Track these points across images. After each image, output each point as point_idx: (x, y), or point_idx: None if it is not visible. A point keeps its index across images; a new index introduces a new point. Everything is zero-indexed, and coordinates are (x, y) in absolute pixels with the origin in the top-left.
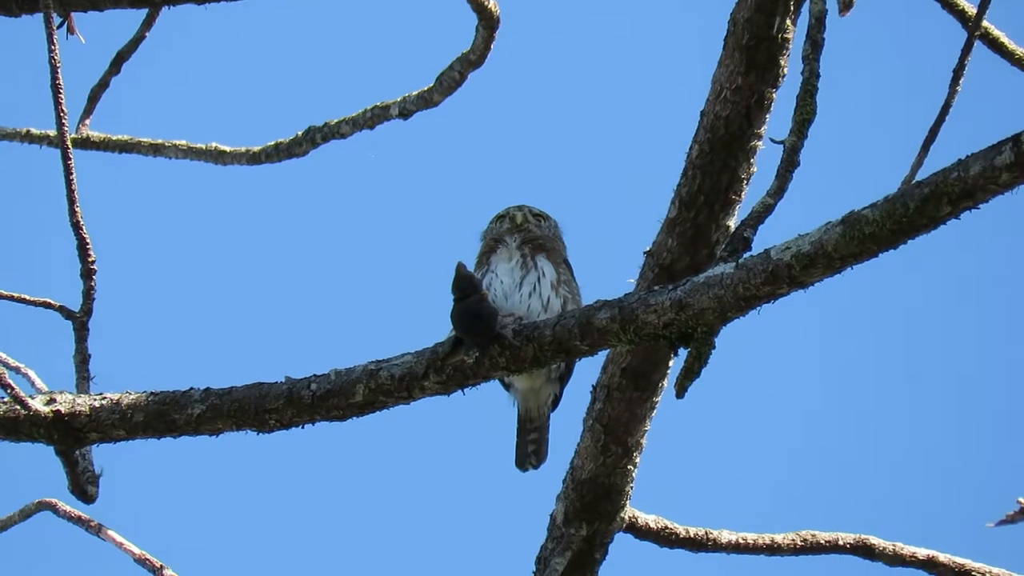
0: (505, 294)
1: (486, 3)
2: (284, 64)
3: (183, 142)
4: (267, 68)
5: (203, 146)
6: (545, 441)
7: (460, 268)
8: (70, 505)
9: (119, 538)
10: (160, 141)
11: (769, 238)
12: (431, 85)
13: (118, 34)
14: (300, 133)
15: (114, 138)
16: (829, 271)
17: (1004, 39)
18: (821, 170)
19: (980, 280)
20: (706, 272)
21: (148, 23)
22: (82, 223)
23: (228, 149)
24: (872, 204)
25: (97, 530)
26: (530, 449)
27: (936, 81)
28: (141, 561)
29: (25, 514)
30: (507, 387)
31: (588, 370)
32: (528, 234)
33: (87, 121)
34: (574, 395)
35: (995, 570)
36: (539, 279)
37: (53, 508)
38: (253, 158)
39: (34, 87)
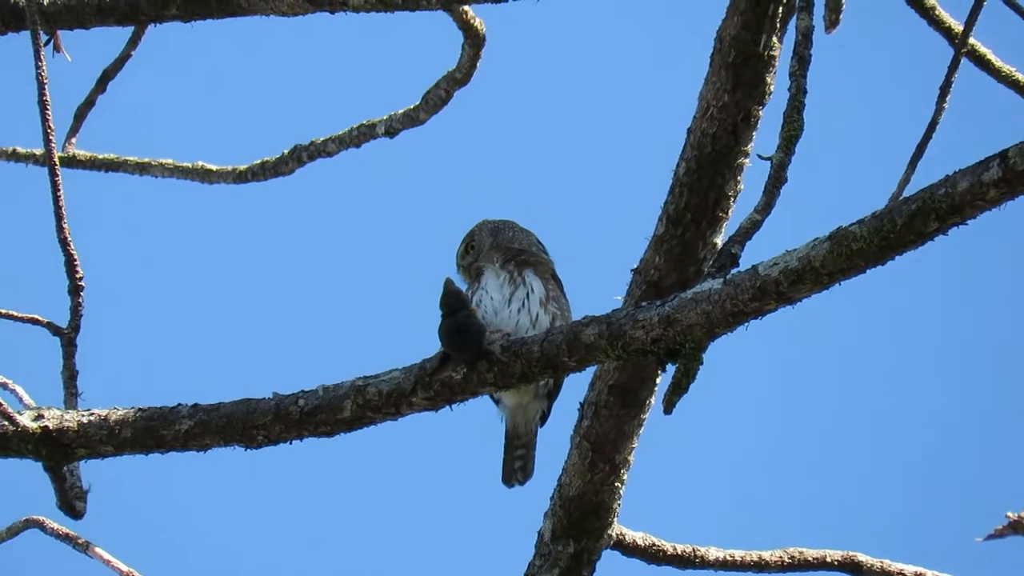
0: (495, 310)
1: (472, 21)
2: (270, 83)
3: (169, 161)
4: (253, 86)
5: (189, 165)
6: (532, 458)
7: (448, 284)
8: (58, 522)
9: (107, 555)
10: (146, 160)
11: (756, 254)
12: (417, 103)
13: (103, 52)
14: (286, 152)
15: (100, 157)
16: (817, 287)
17: (991, 56)
18: (808, 186)
19: (959, 299)
20: (694, 288)
21: (134, 41)
22: (70, 240)
23: (214, 168)
24: (859, 220)
25: (85, 547)
26: (516, 465)
27: (923, 98)
28: None
29: (12, 532)
30: (496, 402)
31: (576, 387)
32: (508, 252)
33: (73, 140)
34: (562, 412)
35: None
36: (528, 295)
37: (41, 526)
38: (239, 176)
39: (17, 105)
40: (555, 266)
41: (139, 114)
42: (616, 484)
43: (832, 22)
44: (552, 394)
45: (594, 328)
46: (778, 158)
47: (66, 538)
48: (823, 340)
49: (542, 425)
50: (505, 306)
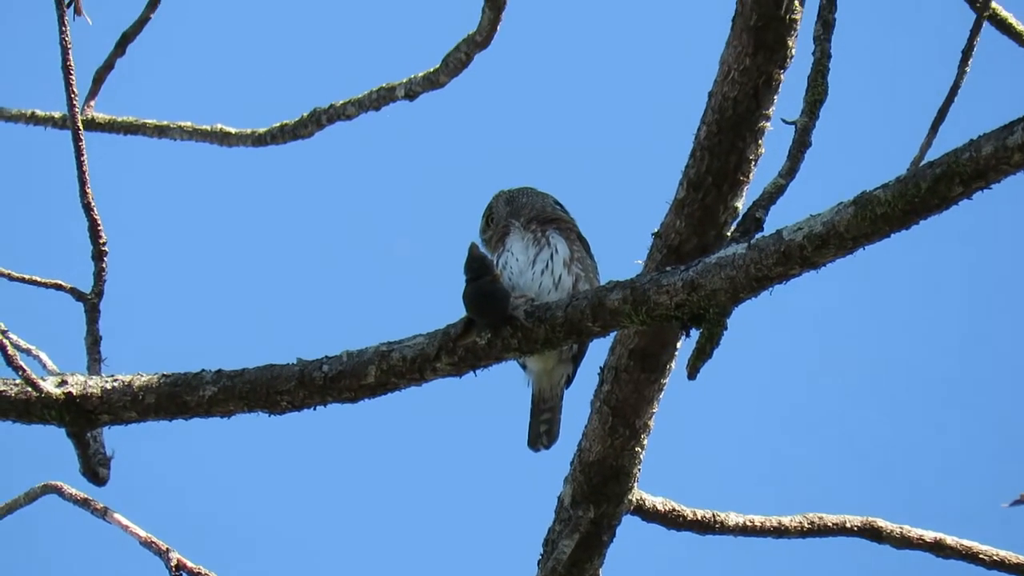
0: (520, 271)
1: None
2: (289, 45)
3: (188, 124)
4: (272, 49)
5: (208, 128)
6: (557, 421)
7: (473, 248)
8: (76, 488)
9: (125, 521)
10: (165, 123)
11: (780, 219)
12: (437, 66)
13: (122, 14)
14: (305, 115)
15: (119, 119)
16: (841, 251)
17: (1012, 20)
18: (830, 150)
19: (987, 271)
20: (718, 253)
21: (153, 4)
22: (93, 204)
23: (233, 131)
24: (884, 184)
25: (103, 513)
26: (542, 429)
27: (944, 62)
28: (147, 544)
29: (31, 497)
30: (522, 367)
31: (598, 351)
32: (531, 213)
33: (92, 103)
34: (582, 377)
35: (1002, 552)
36: (552, 256)
37: (59, 491)
38: (258, 140)
39: (33, 67)
40: (578, 226)
41: (158, 77)
42: (636, 449)
43: None
44: (577, 358)
45: (618, 293)
46: (802, 122)
47: (84, 504)
48: (847, 307)
49: (568, 387)
50: (529, 267)
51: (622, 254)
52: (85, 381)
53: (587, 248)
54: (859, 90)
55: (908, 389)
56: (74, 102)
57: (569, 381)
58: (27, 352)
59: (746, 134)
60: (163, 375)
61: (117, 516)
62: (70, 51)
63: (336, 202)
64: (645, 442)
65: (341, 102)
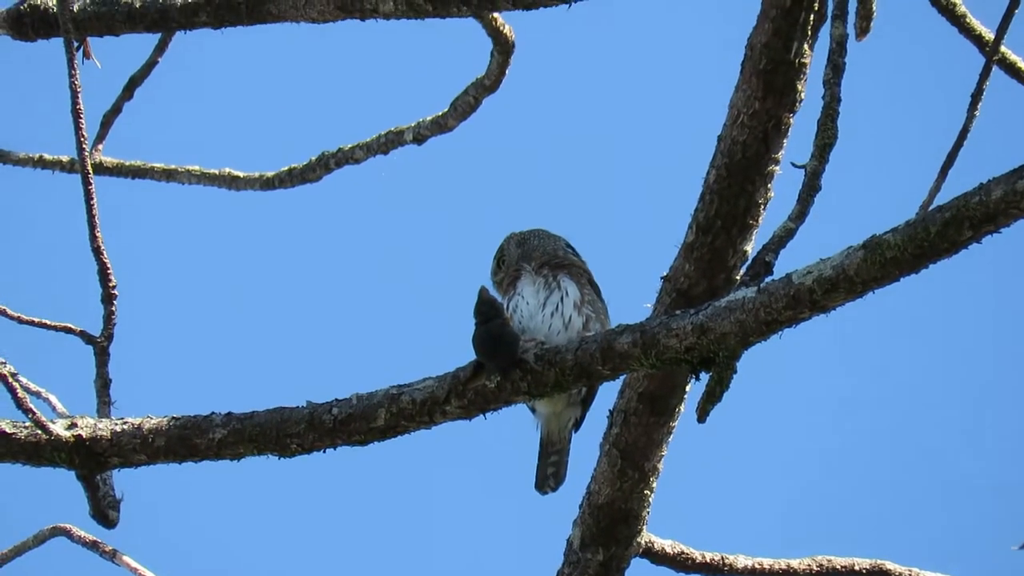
0: (530, 315)
1: (501, 28)
2: (298, 89)
3: (196, 167)
4: (281, 93)
5: (216, 171)
6: (565, 464)
7: (483, 292)
8: (86, 530)
9: (134, 563)
10: (173, 167)
11: (790, 263)
12: (445, 110)
13: (130, 58)
14: (313, 159)
15: (127, 163)
16: (851, 295)
17: (1021, 64)
18: (840, 194)
19: (984, 307)
20: (728, 296)
21: (160, 48)
22: (103, 248)
23: (241, 175)
24: (893, 228)
25: (112, 555)
26: (550, 471)
27: (954, 106)
28: None
29: (39, 539)
30: (532, 410)
31: (606, 394)
32: (542, 258)
33: (100, 147)
34: (591, 420)
35: None
36: (562, 299)
37: (67, 533)
38: (267, 183)
39: (40, 111)
40: (589, 267)
41: (166, 121)
42: (645, 492)
43: (863, 30)
44: (587, 400)
45: (628, 336)
46: (812, 166)
47: (93, 546)
48: (849, 348)
49: (577, 430)
50: (540, 310)
51: (631, 298)
52: (95, 424)
53: (598, 292)
54: (869, 134)
55: (917, 430)
56: (84, 146)
57: (578, 425)
58: (37, 395)
59: (755, 178)
60: (173, 418)
61: (126, 559)
62: (79, 95)
63: (344, 246)
64: (654, 485)
65: (349, 146)
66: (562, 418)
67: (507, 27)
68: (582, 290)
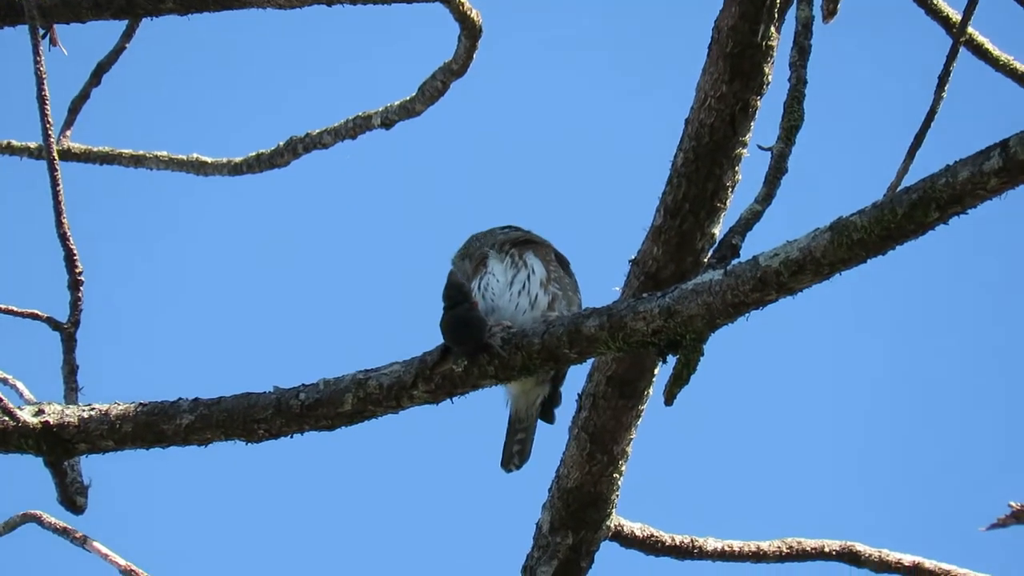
0: (500, 293)
1: (468, 12)
2: (265, 75)
3: (164, 153)
4: (248, 79)
5: (184, 157)
6: (530, 442)
7: (452, 276)
8: (55, 517)
9: (104, 549)
10: (141, 152)
11: (757, 245)
12: (413, 95)
13: (97, 45)
14: (281, 144)
15: (95, 149)
16: (818, 277)
17: (988, 45)
18: (807, 176)
19: (961, 289)
20: (695, 279)
21: (128, 34)
22: (69, 234)
23: (209, 160)
24: (860, 210)
25: (82, 541)
26: (515, 449)
27: (921, 87)
28: (127, 572)
29: (10, 526)
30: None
31: (575, 379)
32: (504, 237)
33: (68, 133)
34: (562, 402)
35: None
36: (528, 277)
37: (38, 520)
38: (235, 169)
39: (9, 98)
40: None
41: (134, 107)
42: (614, 475)
43: (830, 12)
44: (557, 379)
45: (595, 320)
46: (779, 148)
47: (64, 532)
48: (821, 328)
49: (557, 407)
50: (507, 289)
51: (600, 281)
52: (62, 410)
53: (565, 267)
54: (835, 116)
55: (883, 410)
56: (50, 133)
57: (556, 403)
58: (4, 382)
59: (723, 161)
60: (140, 404)
61: (96, 545)
62: (45, 81)
63: (312, 231)
64: (623, 468)
65: (317, 131)
66: (530, 396)
67: (474, 11)
68: (548, 267)
